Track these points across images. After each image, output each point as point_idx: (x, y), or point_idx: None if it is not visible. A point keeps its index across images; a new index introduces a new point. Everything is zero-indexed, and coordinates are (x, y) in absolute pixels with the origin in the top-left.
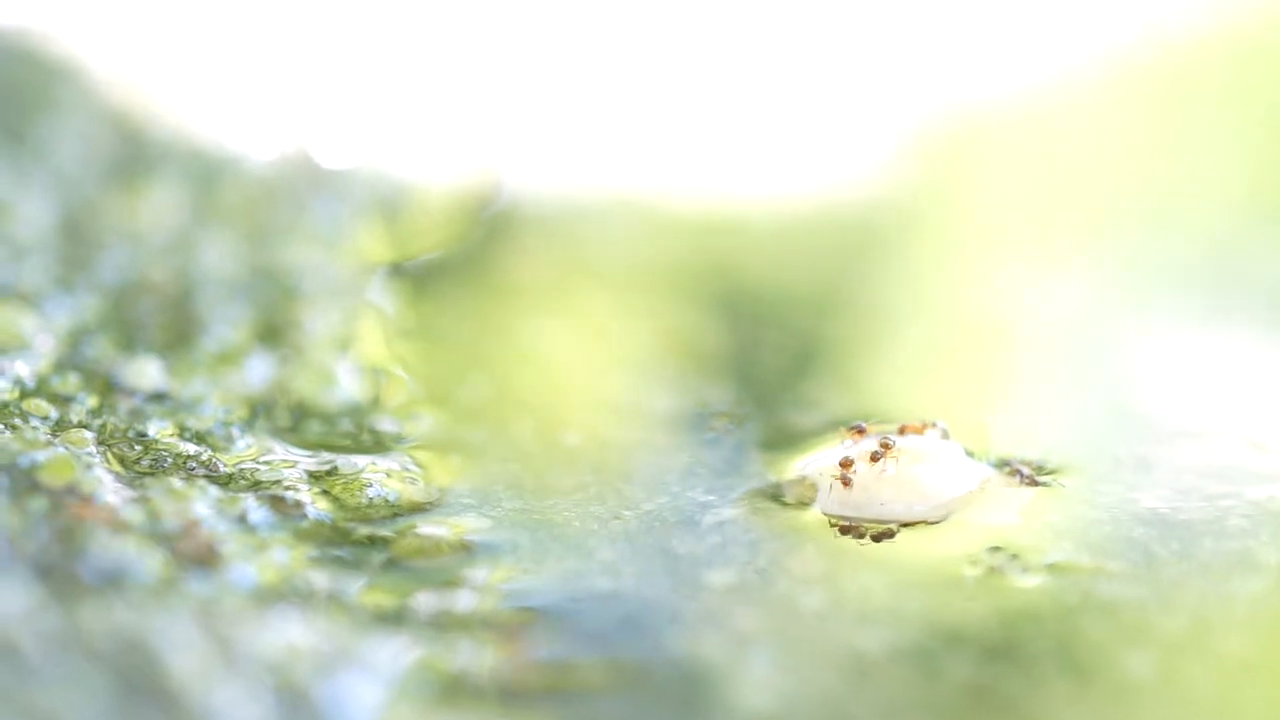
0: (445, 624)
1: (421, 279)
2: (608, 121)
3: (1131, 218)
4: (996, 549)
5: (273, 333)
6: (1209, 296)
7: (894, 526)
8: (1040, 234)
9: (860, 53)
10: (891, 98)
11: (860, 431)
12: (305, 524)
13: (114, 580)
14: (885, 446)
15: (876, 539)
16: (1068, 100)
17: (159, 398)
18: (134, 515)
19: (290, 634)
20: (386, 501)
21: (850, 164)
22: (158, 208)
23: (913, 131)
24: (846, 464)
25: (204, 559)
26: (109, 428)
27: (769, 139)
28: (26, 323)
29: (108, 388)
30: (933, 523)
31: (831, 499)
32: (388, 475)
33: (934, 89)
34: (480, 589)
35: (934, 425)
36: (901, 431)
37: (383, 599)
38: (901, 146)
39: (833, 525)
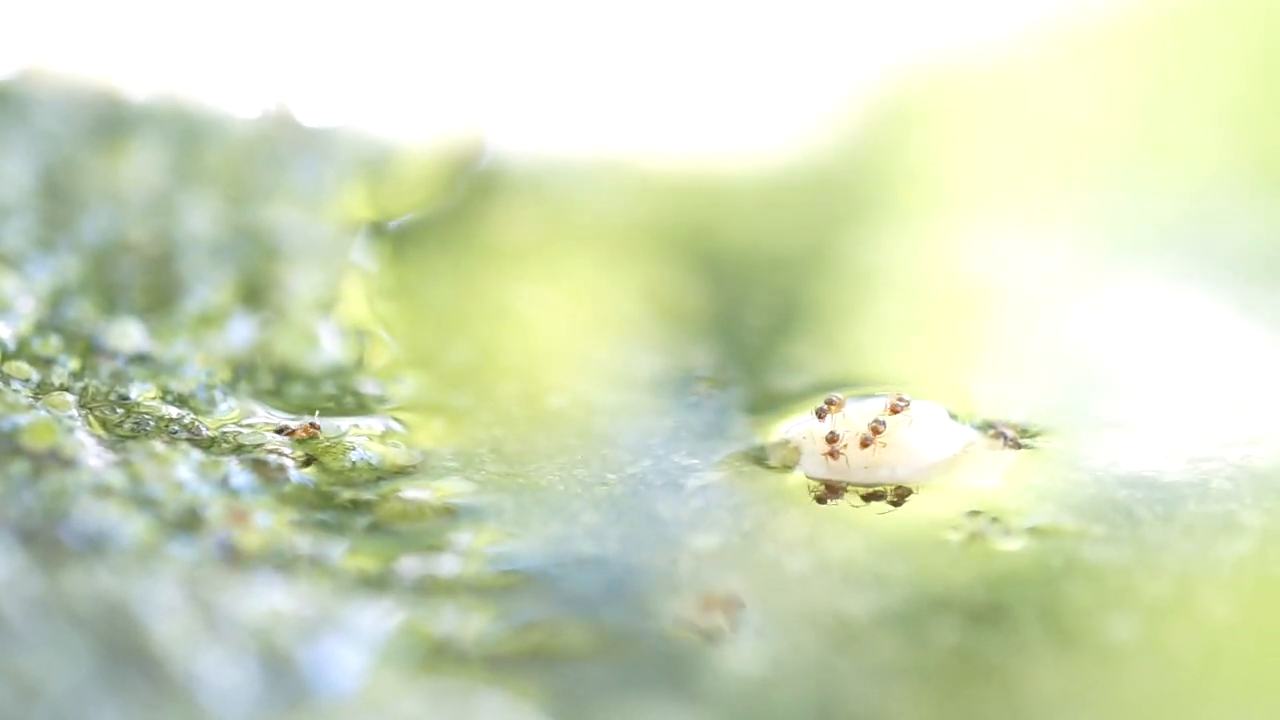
0: (429, 588)
1: (405, 240)
2: (589, 81)
3: (1110, 177)
4: (978, 513)
5: (255, 294)
6: (1188, 256)
7: (878, 489)
8: (1020, 193)
9: (839, 8)
10: (870, 54)
11: (822, 415)
12: (288, 488)
13: (96, 545)
14: (875, 431)
15: (861, 501)
16: (1045, 55)
17: (141, 359)
18: (116, 479)
19: (273, 599)
20: (370, 465)
21: (830, 123)
22: (139, 167)
23: (893, 90)
24: (833, 439)
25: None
26: (90, 390)
27: (749, 97)
28: (7, 284)
29: (89, 350)
30: (916, 486)
31: (815, 462)
32: (370, 439)
33: (913, 46)
34: (464, 553)
35: (901, 399)
36: (893, 410)
37: (366, 563)
38: (881, 105)
39: (815, 489)
